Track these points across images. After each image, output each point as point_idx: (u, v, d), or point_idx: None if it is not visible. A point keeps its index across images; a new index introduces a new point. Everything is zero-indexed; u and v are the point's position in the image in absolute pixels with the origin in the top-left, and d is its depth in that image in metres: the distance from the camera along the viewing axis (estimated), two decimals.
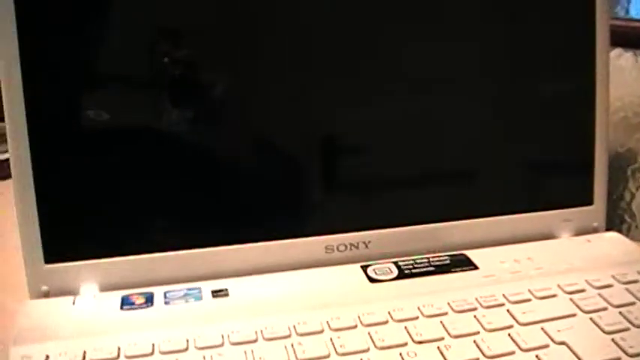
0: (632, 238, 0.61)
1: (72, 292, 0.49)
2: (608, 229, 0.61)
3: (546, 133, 0.58)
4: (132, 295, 0.49)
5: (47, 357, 0.43)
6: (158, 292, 0.49)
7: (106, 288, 0.50)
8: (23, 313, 0.47)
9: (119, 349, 0.44)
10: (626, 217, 0.84)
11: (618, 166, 0.85)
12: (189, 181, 0.51)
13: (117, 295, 0.49)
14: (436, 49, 0.55)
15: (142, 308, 0.48)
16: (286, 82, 0.52)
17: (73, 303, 0.48)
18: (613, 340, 0.47)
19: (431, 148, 0.55)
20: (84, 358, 0.43)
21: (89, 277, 0.50)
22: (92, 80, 0.49)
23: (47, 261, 0.48)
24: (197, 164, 0.51)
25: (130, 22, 0.49)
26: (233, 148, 0.51)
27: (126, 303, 0.48)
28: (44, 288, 0.49)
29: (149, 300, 0.49)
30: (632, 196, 0.84)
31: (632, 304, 0.51)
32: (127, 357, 0.43)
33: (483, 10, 0.55)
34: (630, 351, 0.45)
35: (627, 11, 1.01)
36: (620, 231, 0.61)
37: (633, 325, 0.48)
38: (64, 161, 0.48)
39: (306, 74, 0.52)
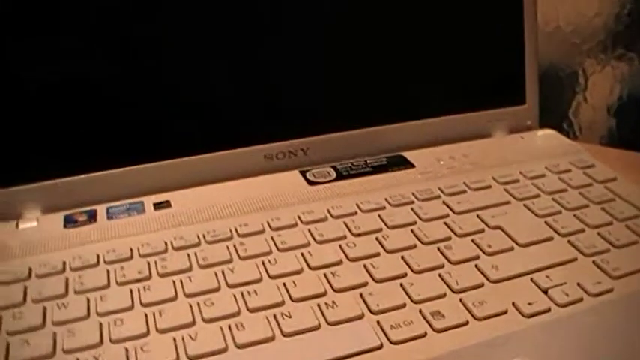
0: None
1: (15, 216, 0.49)
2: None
3: (477, 36, 0.59)
4: (74, 213, 0.49)
5: None
6: (101, 209, 0.50)
7: (48, 210, 0.50)
8: None
9: (64, 263, 0.44)
10: (564, 125, 0.87)
11: (554, 75, 0.87)
12: (125, 98, 0.51)
13: (60, 216, 0.49)
14: None
15: (85, 225, 0.48)
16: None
17: (17, 226, 0.48)
18: (546, 222, 0.48)
19: (364, 54, 0.56)
20: (30, 274, 0.43)
21: (31, 200, 0.50)
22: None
23: None
24: (130, 81, 0.51)
25: None
26: (163, 64, 0.51)
27: (69, 222, 0.49)
28: None
29: (92, 217, 0.49)
30: (569, 104, 0.86)
31: (564, 190, 0.53)
32: (72, 269, 0.44)
33: None
34: (562, 231, 0.47)
35: None
36: None
37: (565, 208, 0.50)
38: None
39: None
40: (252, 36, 0.52)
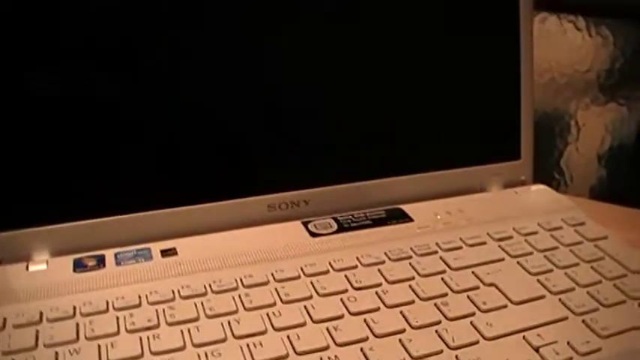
0: (562, 193, 0.65)
1: (24, 258, 0.51)
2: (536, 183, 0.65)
3: (475, 93, 0.62)
4: (83, 258, 0.51)
5: (5, 320, 0.44)
6: (109, 254, 0.51)
7: (57, 253, 0.51)
8: None
9: (75, 308, 0.45)
10: (555, 174, 0.89)
11: (547, 125, 0.89)
12: (134, 145, 0.52)
13: (69, 259, 0.51)
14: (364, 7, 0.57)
15: (94, 270, 0.50)
16: (227, 46, 0.53)
17: (27, 268, 0.50)
18: (538, 280, 0.50)
19: (365, 110, 0.58)
20: (41, 318, 0.44)
21: (40, 242, 0.51)
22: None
23: None
24: (140, 129, 0.52)
25: None
26: (173, 112, 0.53)
27: (78, 266, 0.50)
28: None
29: (101, 262, 0.50)
30: (561, 153, 0.89)
31: (556, 248, 0.55)
32: (82, 315, 0.45)
33: None
34: (553, 289, 0.49)
35: None
36: (550, 187, 0.64)
37: (556, 266, 0.52)
38: (3, 133, 0.49)
39: (245, 41, 0.54)
40: (257, 92, 0.54)
